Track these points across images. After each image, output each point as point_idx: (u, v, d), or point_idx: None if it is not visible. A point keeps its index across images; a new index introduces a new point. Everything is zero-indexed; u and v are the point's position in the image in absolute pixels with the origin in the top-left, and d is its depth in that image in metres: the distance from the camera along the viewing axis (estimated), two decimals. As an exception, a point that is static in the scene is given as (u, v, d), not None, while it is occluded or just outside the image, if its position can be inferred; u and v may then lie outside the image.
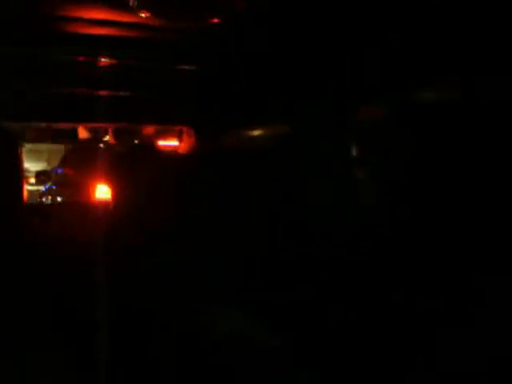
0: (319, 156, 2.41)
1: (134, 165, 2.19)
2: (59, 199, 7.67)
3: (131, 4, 1.70)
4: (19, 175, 1.16)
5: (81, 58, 2.57)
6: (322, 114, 2.38)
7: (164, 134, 4.09)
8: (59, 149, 8.66)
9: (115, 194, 2.14)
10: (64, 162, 8.23)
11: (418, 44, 1.84)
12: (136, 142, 4.83)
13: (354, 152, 2.38)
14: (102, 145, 5.74)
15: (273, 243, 1.70)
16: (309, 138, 2.47)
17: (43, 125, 3.40)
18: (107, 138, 5.41)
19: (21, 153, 1.20)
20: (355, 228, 2.14)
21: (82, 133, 5.42)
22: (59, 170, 8.16)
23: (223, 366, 1.28)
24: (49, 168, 8.87)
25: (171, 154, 3.83)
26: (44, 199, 7.97)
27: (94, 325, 1.21)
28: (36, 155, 8.61)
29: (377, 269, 1.67)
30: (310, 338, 1.46)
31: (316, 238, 1.90)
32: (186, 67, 2.80)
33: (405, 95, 2.02)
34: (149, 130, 4.43)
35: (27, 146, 7.76)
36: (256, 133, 3.38)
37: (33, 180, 8.34)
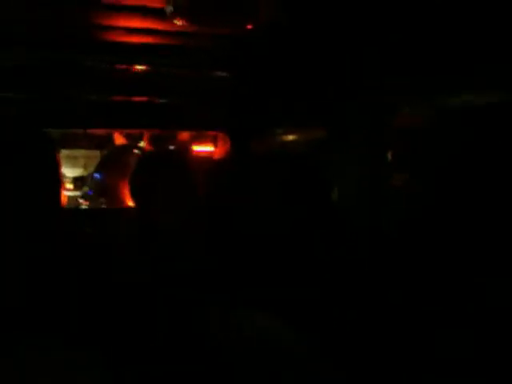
0: (355, 160, 2.40)
1: (155, 170, 2.22)
2: (95, 204, 7.75)
3: (167, 12, 1.71)
4: (57, 180, 1.18)
5: (117, 66, 2.61)
6: (359, 118, 2.38)
7: (199, 140, 4.11)
8: (95, 155, 8.76)
9: (136, 199, 2.17)
10: (100, 168, 8.32)
11: (458, 48, 1.82)
12: (171, 147, 4.87)
13: (391, 157, 2.37)
14: (136, 151, 5.80)
15: (306, 246, 1.69)
16: (345, 142, 2.46)
17: (80, 131, 3.45)
18: (142, 143, 5.45)
19: (58, 158, 1.22)
20: (391, 231, 2.13)
21: (118, 139, 5.48)
22: (95, 176, 8.25)
23: (248, 366, 1.29)
24: (85, 174, 8.98)
25: (199, 159, 3.86)
26: (80, 204, 8.06)
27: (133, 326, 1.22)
28: (72, 161, 8.72)
29: (411, 270, 1.66)
30: (338, 339, 1.46)
31: (351, 240, 1.90)
32: (221, 73, 2.82)
33: (444, 100, 2.00)
34: (184, 135, 4.47)
35: (64, 152, 7.87)
36: (291, 137, 3.38)
37: (69, 185, 8.46)
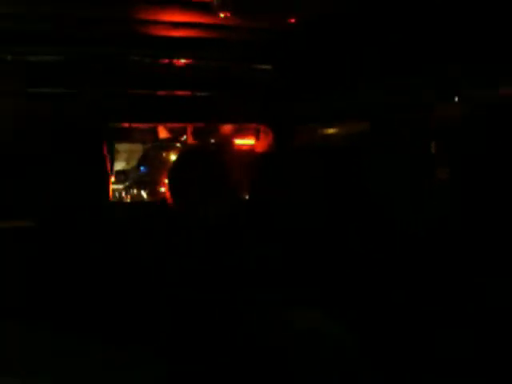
0: (398, 154, 2.37)
1: (191, 165, 2.23)
2: (137, 198, 7.84)
3: (214, 4, 1.72)
4: (106, 173, 1.20)
5: (160, 60, 2.63)
6: (402, 112, 2.35)
7: (241, 133, 4.12)
8: (138, 149, 8.84)
9: (172, 194, 2.18)
10: (142, 162, 8.40)
11: (500, 40, 1.79)
12: (212, 141, 4.89)
13: (434, 150, 2.34)
14: (179, 144, 5.83)
15: (352, 243, 1.68)
16: (388, 135, 2.43)
17: (124, 125, 3.49)
18: (185, 137, 5.48)
19: (106, 152, 1.24)
20: (434, 226, 2.10)
21: (162, 132, 5.52)
22: (138, 170, 8.34)
23: (299, 364, 1.29)
24: (128, 167, 9.07)
25: (240, 152, 3.86)
26: (123, 198, 8.17)
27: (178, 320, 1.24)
28: (115, 155, 8.82)
29: (454, 266, 1.64)
30: (387, 339, 1.44)
31: (395, 236, 1.88)
32: (263, 66, 2.82)
33: (484, 93, 1.97)
34: (226, 129, 4.47)
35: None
36: (332, 130, 3.36)
37: (111, 179, 8.55)
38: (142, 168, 8.46)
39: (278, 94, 2.95)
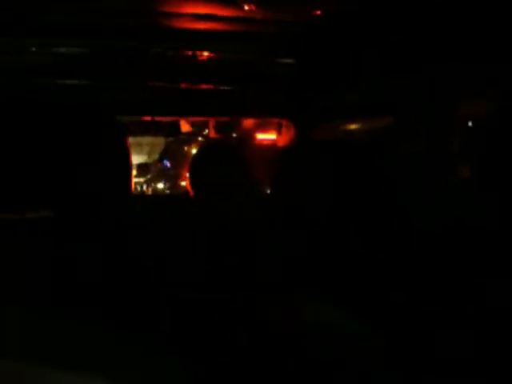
0: (420, 150, 2.35)
1: (211, 159, 2.23)
2: (159, 191, 7.90)
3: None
4: (128, 166, 1.19)
5: (183, 53, 2.62)
6: (425, 108, 2.33)
7: (263, 128, 4.11)
8: (159, 142, 8.90)
9: (193, 187, 2.18)
10: (164, 156, 8.46)
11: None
12: (234, 135, 4.89)
13: (456, 148, 2.32)
14: (200, 138, 5.85)
15: (368, 237, 1.67)
16: (410, 132, 2.41)
17: (145, 118, 3.51)
18: (206, 131, 5.50)
19: (129, 145, 1.24)
20: (452, 224, 2.08)
21: (184, 126, 5.54)
22: (160, 163, 8.39)
23: (311, 358, 1.28)
24: (149, 161, 9.14)
25: (262, 147, 3.86)
26: (144, 191, 8.23)
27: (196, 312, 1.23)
28: (137, 148, 8.88)
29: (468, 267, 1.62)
30: (403, 336, 1.43)
31: (412, 233, 1.86)
32: (286, 60, 2.80)
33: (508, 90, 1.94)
34: (248, 123, 4.47)
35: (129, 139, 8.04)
36: (355, 126, 3.34)
37: (133, 172, 8.60)
38: (165, 162, 8.51)
39: (301, 88, 2.93)
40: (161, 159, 8.52)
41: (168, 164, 8.21)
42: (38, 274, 1.01)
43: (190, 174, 2.26)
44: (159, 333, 1.06)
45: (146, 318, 1.08)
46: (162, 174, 8.42)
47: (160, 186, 8.34)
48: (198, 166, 2.26)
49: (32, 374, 0.89)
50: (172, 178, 8.13)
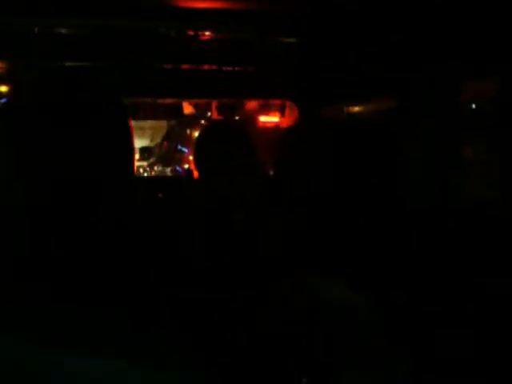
0: (423, 133, 2.33)
1: (216, 140, 2.21)
2: (162, 174, 7.88)
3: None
4: (131, 148, 1.17)
5: (185, 33, 2.58)
6: (429, 90, 2.30)
7: (266, 110, 4.08)
8: (162, 125, 8.87)
9: (198, 169, 2.16)
10: (167, 139, 8.43)
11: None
12: (237, 117, 4.87)
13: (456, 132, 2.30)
14: (203, 121, 5.81)
15: (377, 216, 1.65)
16: (414, 114, 2.39)
17: (147, 101, 3.48)
18: (209, 114, 5.47)
19: (131, 127, 1.21)
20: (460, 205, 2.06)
21: (187, 108, 5.51)
22: (162, 147, 8.37)
23: (323, 335, 1.27)
24: (151, 144, 9.12)
25: (265, 129, 3.84)
26: (146, 174, 8.21)
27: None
28: (139, 132, 8.85)
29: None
30: (413, 318, 1.42)
31: (417, 215, 1.84)
32: (289, 40, 2.76)
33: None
34: (251, 105, 4.44)
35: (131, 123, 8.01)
36: (359, 107, 3.31)
37: (136, 156, 8.59)
38: (167, 145, 8.52)
39: (305, 69, 2.90)
40: (163, 142, 8.51)
41: (171, 147, 8.19)
42: (39, 264, 0.99)
43: (195, 155, 2.24)
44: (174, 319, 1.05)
45: (154, 304, 1.06)
46: (164, 158, 8.40)
47: (162, 169, 8.33)
48: (202, 147, 2.25)
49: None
50: (175, 161, 8.12)
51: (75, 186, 1.02)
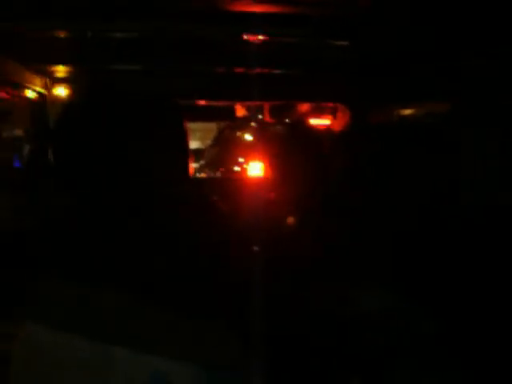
0: (476, 136, 2.30)
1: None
2: (212, 176, 7.93)
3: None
4: (186, 149, 1.20)
5: (238, 37, 2.61)
6: (483, 93, 2.28)
7: (317, 112, 4.08)
8: (212, 127, 8.93)
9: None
10: (218, 141, 8.49)
11: None
12: (287, 120, 4.88)
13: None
14: (254, 124, 5.84)
15: (430, 222, 1.63)
16: (466, 117, 2.36)
17: (200, 103, 3.53)
18: (260, 116, 5.50)
19: (187, 128, 1.24)
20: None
21: (240, 111, 5.55)
22: (214, 148, 8.43)
23: (367, 340, 1.27)
24: (202, 146, 9.20)
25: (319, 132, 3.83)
26: (197, 175, 8.29)
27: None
28: (190, 134, 8.94)
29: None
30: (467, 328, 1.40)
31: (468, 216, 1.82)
32: (340, 43, 2.76)
33: None
34: (303, 107, 4.45)
35: (183, 125, 8.09)
36: (410, 110, 3.29)
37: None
38: (215, 147, 8.58)
39: (358, 72, 2.90)
40: (214, 144, 8.57)
41: (222, 149, 8.23)
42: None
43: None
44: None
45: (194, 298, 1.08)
46: (215, 161, 8.47)
47: (213, 171, 8.39)
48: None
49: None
50: (225, 163, 8.17)
51: (135, 187, 1.05)
